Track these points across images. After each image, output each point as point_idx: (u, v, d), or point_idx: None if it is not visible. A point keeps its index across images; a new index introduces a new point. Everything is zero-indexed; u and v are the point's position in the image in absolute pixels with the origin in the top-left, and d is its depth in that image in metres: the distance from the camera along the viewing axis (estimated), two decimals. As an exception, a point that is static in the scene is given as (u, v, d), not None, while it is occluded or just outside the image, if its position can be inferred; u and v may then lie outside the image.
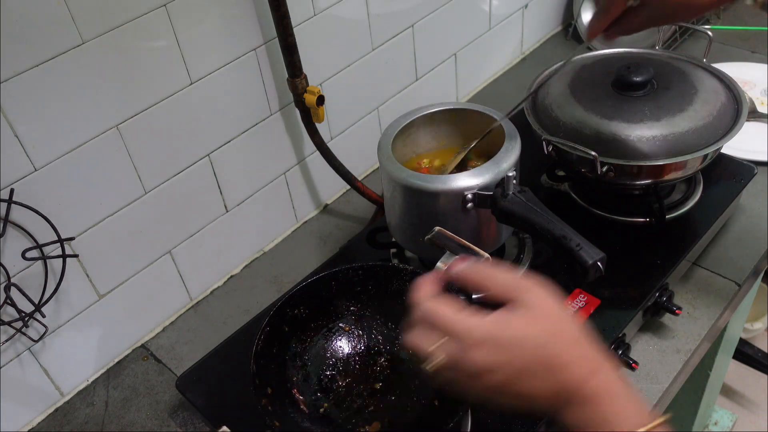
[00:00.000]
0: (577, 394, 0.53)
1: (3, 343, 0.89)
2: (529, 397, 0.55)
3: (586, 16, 1.60)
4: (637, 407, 0.53)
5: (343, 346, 0.89)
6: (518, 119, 1.00)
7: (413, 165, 1.02)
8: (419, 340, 0.57)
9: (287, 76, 1.04)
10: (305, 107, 1.07)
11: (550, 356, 0.54)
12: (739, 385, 2.11)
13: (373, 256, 1.06)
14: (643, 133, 0.94)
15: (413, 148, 1.02)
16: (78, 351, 1.01)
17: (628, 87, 0.98)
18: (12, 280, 0.87)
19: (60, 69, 0.82)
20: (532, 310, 0.55)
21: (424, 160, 1.02)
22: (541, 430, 0.83)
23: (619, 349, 0.90)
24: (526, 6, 1.54)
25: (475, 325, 0.55)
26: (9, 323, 0.86)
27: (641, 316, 0.96)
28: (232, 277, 1.19)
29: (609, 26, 0.81)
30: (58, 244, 0.88)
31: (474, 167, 0.88)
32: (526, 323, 0.54)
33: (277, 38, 1.00)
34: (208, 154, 1.04)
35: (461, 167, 0.98)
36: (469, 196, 0.85)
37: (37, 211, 0.85)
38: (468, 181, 0.85)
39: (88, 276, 0.97)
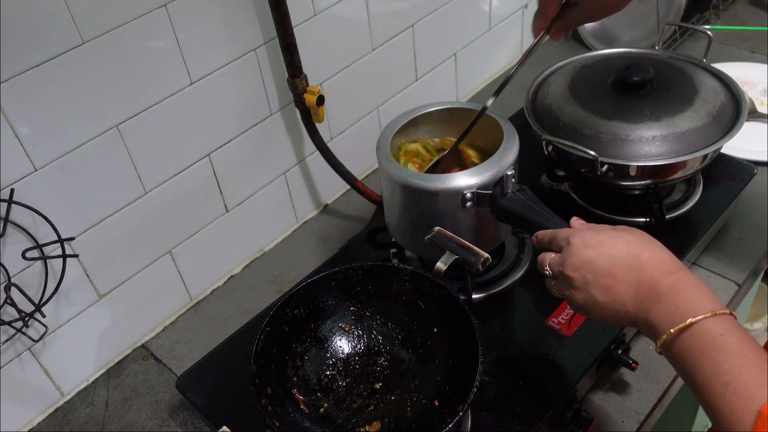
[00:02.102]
0: (655, 290, 0.63)
1: (3, 343, 0.89)
2: (616, 293, 0.65)
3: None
4: (708, 299, 0.61)
5: (343, 346, 0.89)
6: (518, 119, 1.00)
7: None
8: (541, 257, 0.74)
9: (287, 76, 1.04)
10: (305, 107, 1.07)
11: (636, 254, 0.65)
12: (740, 385, 2.10)
13: (373, 256, 1.06)
14: (643, 133, 0.94)
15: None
16: (78, 351, 1.01)
17: (628, 87, 0.98)
18: (12, 280, 0.87)
19: (60, 69, 0.82)
20: (626, 230, 0.69)
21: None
22: (542, 431, 0.83)
23: (619, 349, 0.90)
24: (526, 6, 1.54)
25: (579, 230, 0.71)
26: (9, 323, 0.86)
27: (641, 316, 0.96)
28: (232, 277, 1.19)
29: (550, 25, 0.84)
30: (58, 244, 0.88)
31: (473, 166, 0.88)
32: (621, 231, 0.69)
33: (277, 38, 1.00)
34: (208, 154, 1.05)
35: (458, 163, 0.98)
36: (468, 195, 0.85)
37: (37, 211, 0.85)
38: (467, 180, 0.85)
39: (88, 276, 0.97)
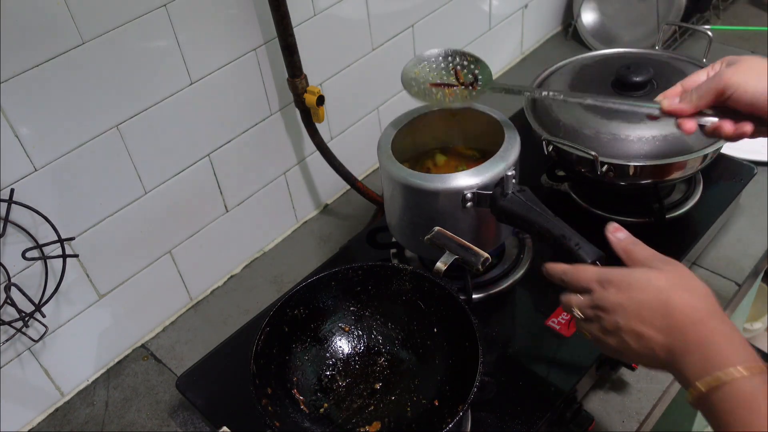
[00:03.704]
0: (684, 339, 0.60)
1: (3, 343, 0.89)
2: (647, 339, 0.62)
3: (587, 16, 1.59)
4: (738, 352, 0.58)
5: (343, 346, 0.89)
6: (518, 119, 1.00)
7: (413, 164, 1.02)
8: (567, 299, 0.70)
9: (287, 76, 1.04)
10: (305, 107, 1.07)
11: (665, 300, 0.61)
12: (740, 385, 2.10)
13: (373, 256, 1.06)
14: (643, 133, 0.94)
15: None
16: (78, 351, 1.01)
17: (628, 87, 0.98)
18: (12, 280, 0.87)
19: (60, 69, 0.82)
20: (661, 268, 0.64)
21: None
22: (542, 431, 0.83)
23: (619, 349, 0.90)
24: (526, 6, 1.54)
25: (608, 270, 0.66)
26: (9, 323, 0.86)
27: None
28: (232, 277, 1.19)
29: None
30: (58, 244, 0.88)
31: (473, 167, 0.88)
32: (652, 273, 0.64)
33: (277, 38, 1.00)
34: (208, 154, 1.05)
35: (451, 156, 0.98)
36: (469, 195, 0.85)
37: (37, 211, 0.85)
38: (467, 180, 0.85)
39: (88, 276, 0.97)
